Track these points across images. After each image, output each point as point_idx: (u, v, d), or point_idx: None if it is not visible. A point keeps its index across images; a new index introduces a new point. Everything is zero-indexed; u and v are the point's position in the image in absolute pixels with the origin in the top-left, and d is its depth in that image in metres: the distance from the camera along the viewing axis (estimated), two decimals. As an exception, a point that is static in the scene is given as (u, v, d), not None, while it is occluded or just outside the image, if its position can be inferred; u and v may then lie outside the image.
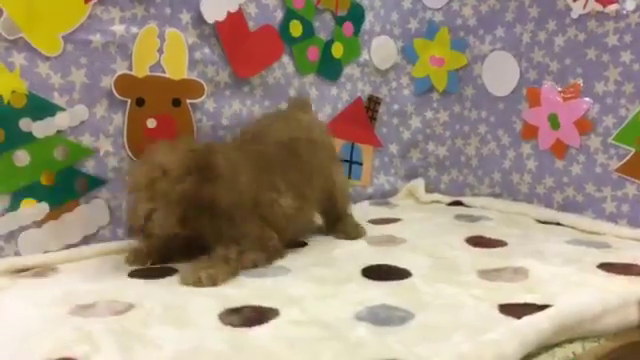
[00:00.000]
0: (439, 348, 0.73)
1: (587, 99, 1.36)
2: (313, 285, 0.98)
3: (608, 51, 1.32)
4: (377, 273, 1.03)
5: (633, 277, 0.97)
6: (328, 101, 1.54)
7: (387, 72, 1.66)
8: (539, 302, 0.85)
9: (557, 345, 0.75)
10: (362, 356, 0.71)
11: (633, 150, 1.29)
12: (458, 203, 1.60)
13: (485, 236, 1.25)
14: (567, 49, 1.39)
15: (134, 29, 1.18)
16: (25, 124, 1.08)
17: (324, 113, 1.53)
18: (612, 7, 1.30)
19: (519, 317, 0.78)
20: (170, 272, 1.05)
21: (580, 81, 1.37)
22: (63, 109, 1.11)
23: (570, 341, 0.77)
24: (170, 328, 0.80)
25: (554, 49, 1.41)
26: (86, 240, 1.16)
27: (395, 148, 1.69)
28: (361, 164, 1.64)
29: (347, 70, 1.57)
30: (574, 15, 1.36)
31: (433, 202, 1.64)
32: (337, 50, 1.53)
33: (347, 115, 1.58)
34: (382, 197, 1.68)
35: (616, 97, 1.31)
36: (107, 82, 1.16)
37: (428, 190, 1.69)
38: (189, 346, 0.75)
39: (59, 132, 1.11)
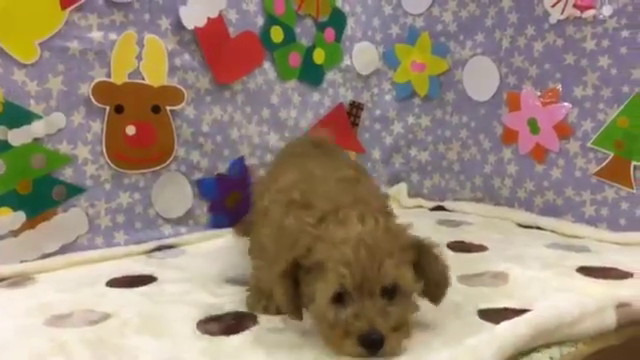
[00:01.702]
0: (418, 355, 0.73)
1: (566, 104, 1.37)
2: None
3: (586, 56, 1.33)
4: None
5: (611, 281, 0.98)
6: (310, 107, 1.54)
7: (369, 78, 1.66)
8: (518, 307, 0.86)
9: (534, 350, 0.75)
10: (340, 363, 0.71)
11: (612, 154, 1.30)
12: (440, 208, 1.61)
13: (466, 241, 1.26)
14: (546, 54, 1.40)
15: (112, 35, 1.17)
16: (1, 132, 1.06)
17: (306, 119, 1.53)
18: (589, 12, 1.31)
19: (498, 322, 0.78)
20: (150, 280, 1.04)
21: (559, 86, 1.38)
22: (40, 117, 1.10)
23: (547, 346, 0.77)
24: (147, 338, 0.79)
25: (533, 54, 1.42)
26: (64, 249, 1.14)
27: (377, 153, 1.69)
28: (343, 170, 1.64)
29: (329, 76, 1.57)
30: (552, 20, 1.37)
31: (416, 207, 1.65)
32: (319, 56, 1.53)
33: (329, 121, 1.57)
34: (365, 202, 1.67)
35: (594, 101, 1.32)
36: (85, 89, 1.14)
37: (411, 195, 1.69)
38: (165, 356, 0.74)
39: (36, 140, 1.10)
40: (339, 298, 0.73)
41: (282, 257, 0.78)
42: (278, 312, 0.86)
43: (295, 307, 0.78)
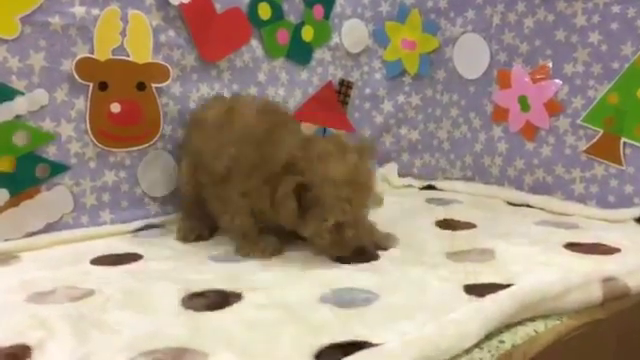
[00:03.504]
0: (402, 328, 0.72)
1: (556, 80, 1.36)
2: (279, 269, 0.97)
3: (577, 32, 1.32)
4: (345, 257, 1.02)
5: (598, 256, 0.98)
6: (299, 85, 1.52)
7: (358, 56, 1.64)
8: (504, 282, 0.85)
9: (519, 323, 0.75)
10: (323, 337, 0.70)
11: (601, 131, 1.29)
12: (431, 187, 1.60)
13: (455, 219, 1.25)
14: (536, 30, 1.39)
15: (95, 11, 1.14)
16: (-18, 109, 1.05)
17: (295, 98, 1.51)
18: (580, -12, 1.29)
19: (483, 297, 0.77)
20: (135, 258, 1.04)
21: (549, 62, 1.37)
22: (22, 93, 1.08)
23: (532, 319, 0.76)
24: (130, 313, 0.79)
25: (524, 30, 1.41)
26: (49, 228, 1.13)
27: (367, 133, 1.68)
28: (333, 149, 1.62)
29: (318, 54, 1.55)
30: (543, -4, 1.36)
31: (406, 186, 1.64)
32: (307, 33, 1.51)
33: (318, 99, 1.56)
34: (355, 182, 1.66)
35: (585, 78, 1.31)
36: (67, 65, 1.13)
37: (401, 174, 1.68)
38: (147, 331, 0.73)
39: (18, 117, 1.08)
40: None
41: (279, 178, 0.97)
42: (273, 253, 1.04)
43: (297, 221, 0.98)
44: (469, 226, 1.20)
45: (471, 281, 0.87)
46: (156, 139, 1.26)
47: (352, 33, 1.61)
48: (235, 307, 0.81)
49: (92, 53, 1.15)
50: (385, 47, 1.65)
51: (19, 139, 1.09)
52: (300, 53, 1.51)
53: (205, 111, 1.17)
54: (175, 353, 0.68)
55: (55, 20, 1.10)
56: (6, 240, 1.08)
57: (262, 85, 1.44)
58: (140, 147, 1.24)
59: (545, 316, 0.78)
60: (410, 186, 1.63)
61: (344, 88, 1.62)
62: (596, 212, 1.27)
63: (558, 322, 0.78)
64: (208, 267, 0.99)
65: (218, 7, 1.33)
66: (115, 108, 1.19)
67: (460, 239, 1.10)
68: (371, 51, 1.65)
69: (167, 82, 1.25)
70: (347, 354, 0.64)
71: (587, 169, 1.32)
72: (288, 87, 1.50)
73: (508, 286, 0.80)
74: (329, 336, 0.71)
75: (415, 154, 1.68)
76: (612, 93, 1.27)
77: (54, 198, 1.14)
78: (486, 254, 1.00)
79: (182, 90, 1.29)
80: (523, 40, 1.41)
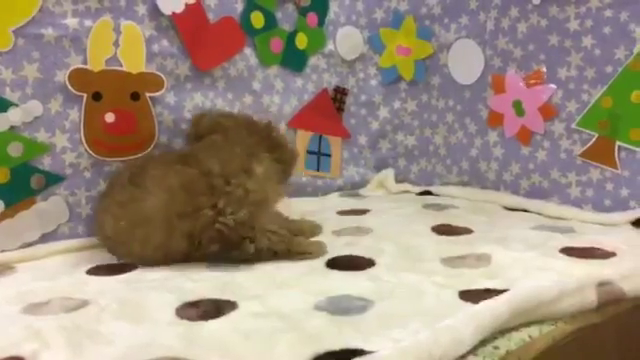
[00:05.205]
0: (396, 335, 0.72)
1: (550, 85, 1.36)
2: (275, 277, 0.97)
3: (570, 36, 1.32)
4: (341, 264, 1.02)
5: (594, 260, 0.97)
6: (294, 93, 1.53)
7: (354, 63, 1.65)
8: (499, 287, 0.85)
9: (513, 329, 0.75)
10: (317, 345, 0.70)
11: (596, 135, 1.30)
12: (427, 192, 1.60)
13: (451, 224, 1.25)
14: (530, 35, 1.39)
15: (88, 22, 1.15)
16: (-24, 121, 1.05)
17: (290, 105, 1.52)
18: (572, -8, 1.30)
19: (478, 303, 0.77)
20: (130, 268, 1.04)
21: (543, 67, 1.37)
22: (16, 105, 1.08)
23: (527, 324, 0.76)
24: (124, 324, 0.79)
25: (517, 36, 1.41)
26: (45, 238, 1.14)
27: (364, 139, 1.68)
28: (330, 156, 1.63)
29: (312, 61, 1.56)
30: (536, 1, 1.36)
31: (403, 192, 1.64)
32: (301, 41, 1.52)
33: (313, 107, 1.56)
34: (352, 188, 1.67)
35: (578, 82, 1.31)
36: (61, 77, 1.13)
37: (398, 180, 1.69)
38: (142, 341, 0.73)
39: (12, 128, 1.08)
40: None
41: None
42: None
43: None
44: (466, 231, 1.20)
45: (467, 287, 0.87)
46: (151, 148, 1.26)
47: (347, 40, 1.61)
48: (230, 316, 0.81)
49: (85, 64, 1.15)
50: (380, 54, 1.66)
51: (13, 150, 1.09)
52: (294, 61, 1.52)
53: None
54: (170, 363, 0.68)
55: (48, 32, 1.11)
56: (2, 251, 1.08)
57: (257, 93, 1.44)
58: (135, 156, 1.24)
59: (540, 321, 0.77)
60: (407, 192, 1.64)
61: (339, 95, 1.63)
62: (592, 216, 1.27)
63: (553, 327, 0.77)
64: (203, 276, 0.98)
65: (211, 16, 1.33)
66: (109, 118, 1.19)
67: (457, 244, 1.10)
68: (366, 58, 1.66)
69: (161, 91, 1.25)
70: (342, 362, 0.64)
71: (582, 173, 1.32)
72: (283, 95, 1.50)
73: (504, 292, 0.80)
74: (324, 344, 0.70)
75: (411, 160, 1.69)
76: (606, 97, 1.27)
77: (49, 208, 1.14)
78: (482, 259, 1.00)
79: (176, 99, 1.29)
80: (517, 45, 1.42)
